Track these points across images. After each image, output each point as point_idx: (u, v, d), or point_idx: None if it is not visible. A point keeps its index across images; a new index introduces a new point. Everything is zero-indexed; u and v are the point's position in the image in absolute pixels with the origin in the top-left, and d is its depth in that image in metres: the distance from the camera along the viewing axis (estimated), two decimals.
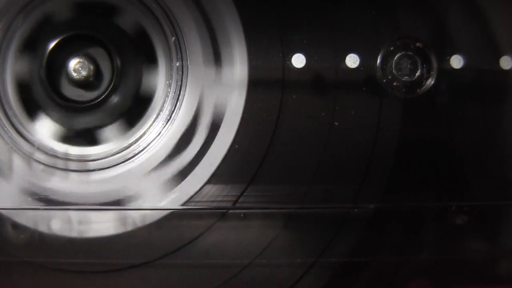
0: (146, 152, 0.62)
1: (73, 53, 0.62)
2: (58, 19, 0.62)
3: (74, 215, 0.60)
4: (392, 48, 0.61)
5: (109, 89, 0.62)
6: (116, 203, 0.60)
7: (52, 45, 0.62)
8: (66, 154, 0.62)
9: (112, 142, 0.62)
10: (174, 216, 0.60)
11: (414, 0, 0.62)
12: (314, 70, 0.61)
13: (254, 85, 0.61)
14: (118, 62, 0.62)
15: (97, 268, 0.60)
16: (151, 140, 0.62)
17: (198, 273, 0.61)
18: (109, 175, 0.61)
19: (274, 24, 0.61)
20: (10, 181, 0.60)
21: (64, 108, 0.63)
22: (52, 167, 0.61)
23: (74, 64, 0.61)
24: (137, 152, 0.62)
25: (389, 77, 0.61)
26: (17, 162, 0.61)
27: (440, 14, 0.62)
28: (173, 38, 0.62)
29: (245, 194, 0.61)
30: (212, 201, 0.61)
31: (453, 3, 0.62)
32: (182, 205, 0.60)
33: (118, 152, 0.62)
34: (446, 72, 0.61)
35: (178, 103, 0.61)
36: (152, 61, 0.62)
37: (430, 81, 0.61)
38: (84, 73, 0.62)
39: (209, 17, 0.61)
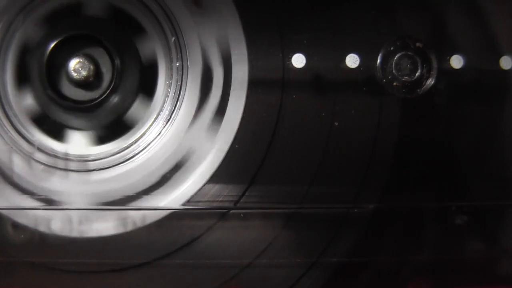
0: (146, 152, 0.62)
1: (73, 53, 0.62)
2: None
3: (74, 215, 0.60)
4: (392, 48, 0.61)
5: (109, 89, 0.62)
6: (116, 203, 0.60)
7: (52, 45, 0.62)
8: (66, 154, 0.62)
9: (112, 142, 0.63)
10: (174, 216, 0.60)
11: (414, 0, 0.62)
12: (314, 70, 0.61)
13: (254, 85, 0.61)
14: (118, 62, 0.62)
15: (97, 268, 0.60)
16: (151, 140, 0.62)
17: (198, 273, 0.61)
18: (109, 175, 0.61)
19: (274, 24, 0.61)
20: (10, 181, 0.60)
21: (64, 108, 0.63)
22: (52, 167, 0.61)
23: (74, 64, 0.61)
24: (137, 152, 0.62)
25: (389, 77, 0.61)
26: (17, 162, 0.61)
27: (440, 14, 0.62)
28: (173, 38, 0.62)
29: (245, 194, 0.61)
30: (212, 201, 0.60)
31: (453, 3, 0.62)
32: (183, 205, 0.60)
33: (118, 152, 0.62)
34: (446, 72, 0.61)
35: (178, 103, 0.61)
36: (152, 61, 0.62)
37: (430, 81, 0.61)
38: (84, 73, 0.62)
39: (209, 17, 0.61)
